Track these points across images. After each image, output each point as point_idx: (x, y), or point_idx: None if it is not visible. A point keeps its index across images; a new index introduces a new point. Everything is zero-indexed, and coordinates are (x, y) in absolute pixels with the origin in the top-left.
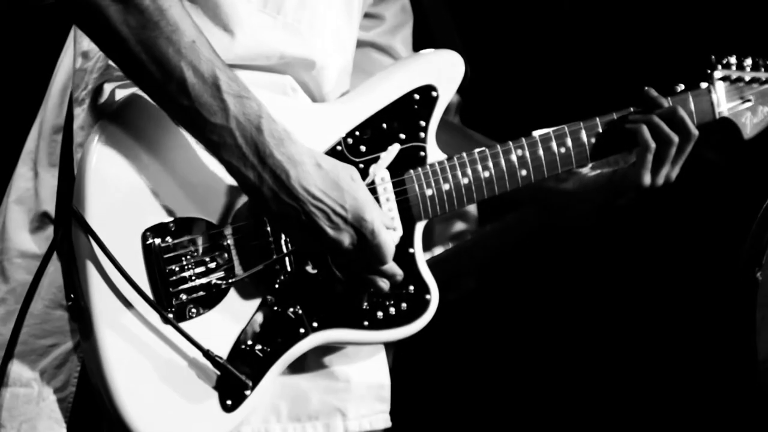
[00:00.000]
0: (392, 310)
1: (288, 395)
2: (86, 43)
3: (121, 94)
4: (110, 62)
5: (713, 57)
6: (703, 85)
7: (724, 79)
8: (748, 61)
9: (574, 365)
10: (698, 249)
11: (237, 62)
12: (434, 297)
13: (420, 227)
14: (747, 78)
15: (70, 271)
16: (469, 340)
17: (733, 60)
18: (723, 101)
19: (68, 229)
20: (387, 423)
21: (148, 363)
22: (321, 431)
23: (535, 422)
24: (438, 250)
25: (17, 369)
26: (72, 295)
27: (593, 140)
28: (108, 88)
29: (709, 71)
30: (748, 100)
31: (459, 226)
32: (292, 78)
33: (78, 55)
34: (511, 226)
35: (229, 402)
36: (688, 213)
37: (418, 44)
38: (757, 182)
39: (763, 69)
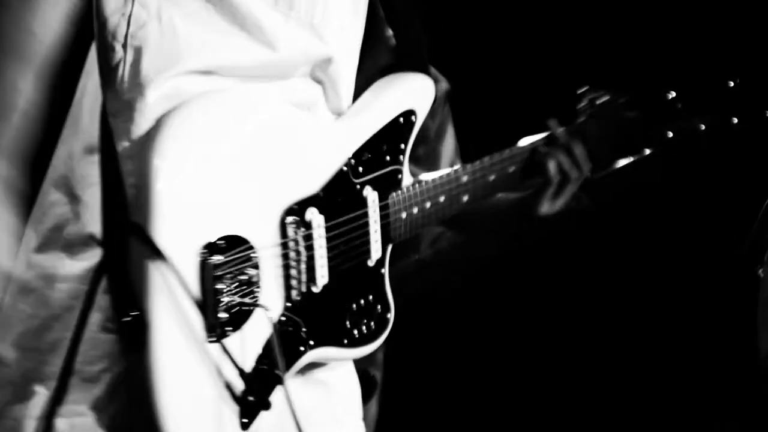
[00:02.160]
0: (364, 328)
1: (288, 411)
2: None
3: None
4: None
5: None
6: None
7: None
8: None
9: (573, 365)
10: (699, 247)
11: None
12: (392, 317)
13: (389, 249)
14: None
15: (123, 285)
16: (466, 340)
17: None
18: None
19: (123, 242)
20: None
21: (189, 379)
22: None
23: (534, 422)
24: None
25: (72, 398)
26: (128, 311)
27: (512, 170)
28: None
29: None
30: None
31: (438, 229)
32: (317, 90)
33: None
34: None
35: (245, 420)
36: (689, 211)
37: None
38: (758, 180)
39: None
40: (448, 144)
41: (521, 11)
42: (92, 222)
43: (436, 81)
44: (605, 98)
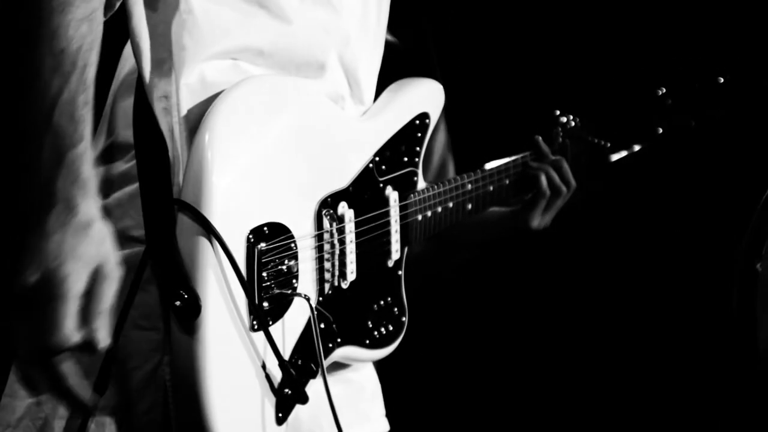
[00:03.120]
0: (383, 330)
1: (321, 406)
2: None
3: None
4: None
5: (557, 112)
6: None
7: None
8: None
9: (571, 361)
10: (698, 241)
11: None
12: (407, 320)
13: (406, 251)
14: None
15: (172, 269)
16: (463, 340)
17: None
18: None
19: (170, 226)
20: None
21: (234, 367)
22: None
23: (532, 421)
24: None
25: (105, 396)
26: (182, 293)
27: (507, 182)
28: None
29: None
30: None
31: None
32: (343, 81)
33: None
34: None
35: (280, 414)
36: (688, 206)
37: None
38: (756, 174)
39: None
40: (440, 139)
41: (511, 9)
42: (123, 219)
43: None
44: (575, 123)
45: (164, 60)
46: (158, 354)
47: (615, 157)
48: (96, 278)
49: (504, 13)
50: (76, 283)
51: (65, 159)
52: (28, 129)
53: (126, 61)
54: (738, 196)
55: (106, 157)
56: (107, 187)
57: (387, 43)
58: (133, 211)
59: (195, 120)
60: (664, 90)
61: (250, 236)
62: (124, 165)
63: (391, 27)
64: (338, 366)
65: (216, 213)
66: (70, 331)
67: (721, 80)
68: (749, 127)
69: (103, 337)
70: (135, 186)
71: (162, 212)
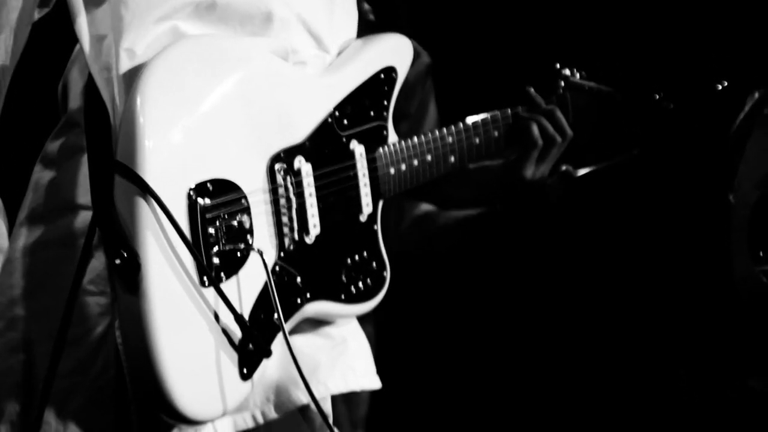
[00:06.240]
0: (361, 285)
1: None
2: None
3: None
4: None
5: (558, 65)
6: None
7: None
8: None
9: (565, 353)
10: (670, 176)
11: None
12: (389, 274)
13: (380, 205)
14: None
15: (114, 230)
16: (462, 340)
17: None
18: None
19: (111, 189)
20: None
21: (185, 324)
22: (341, 386)
23: (531, 420)
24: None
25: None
26: (121, 252)
27: (496, 134)
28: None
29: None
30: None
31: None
32: (298, 35)
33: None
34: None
35: (245, 370)
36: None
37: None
38: (727, 106)
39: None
40: (431, 118)
41: None
42: (72, 188)
43: (417, 55)
44: (579, 76)
45: (105, 35)
46: (108, 317)
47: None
48: None
49: None
50: None
51: None
52: None
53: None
54: (707, 132)
55: (62, 130)
56: (61, 158)
57: (363, 15)
58: (82, 179)
59: None
60: (662, 94)
61: (191, 193)
62: (75, 138)
63: None
64: (318, 322)
65: (150, 171)
66: None
67: (720, 87)
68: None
69: None
70: (84, 156)
71: (101, 176)
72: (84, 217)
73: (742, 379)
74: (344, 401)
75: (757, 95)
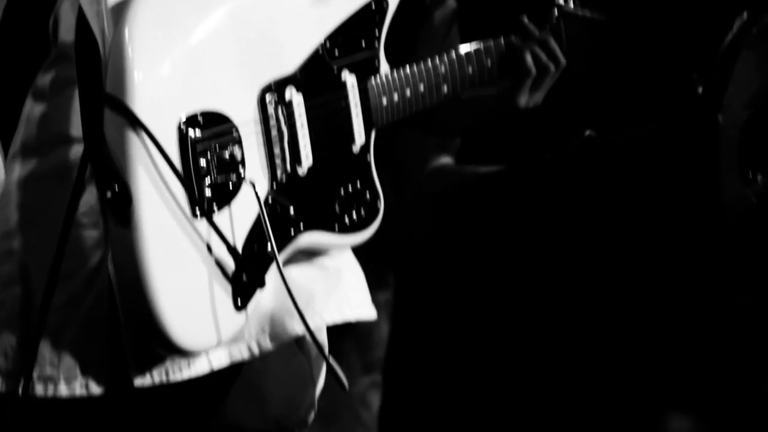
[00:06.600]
0: (354, 215)
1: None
2: None
3: None
4: None
5: None
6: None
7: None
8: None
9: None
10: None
11: None
12: (382, 205)
13: (373, 136)
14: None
15: (106, 163)
16: (462, 339)
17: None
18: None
19: (99, 119)
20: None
21: (178, 255)
22: (336, 316)
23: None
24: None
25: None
26: (113, 185)
27: (489, 63)
28: None
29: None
30: None
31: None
32: None
33: None
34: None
35: (239, 300)
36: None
37: None
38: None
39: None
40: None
41: None
42: (64, 120)
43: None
44: (572, 4)
45: None
46: (101, 250)
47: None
48: None
49: None
50: None
51: None
52: None
53: None
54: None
55: (53, 63)
56: (52, 91)
57: None
58: (74, 112)
59: None
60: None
61: (182, 125)
62: (66, 71)
63: None
64: (312, 254)
65: (140, 104)
66: None
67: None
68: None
69: None
70: (75, 89)
71: (92, 109)
72: (77, 150)
73: (727, 297)
74: (356, 341)
75: (745, 15)
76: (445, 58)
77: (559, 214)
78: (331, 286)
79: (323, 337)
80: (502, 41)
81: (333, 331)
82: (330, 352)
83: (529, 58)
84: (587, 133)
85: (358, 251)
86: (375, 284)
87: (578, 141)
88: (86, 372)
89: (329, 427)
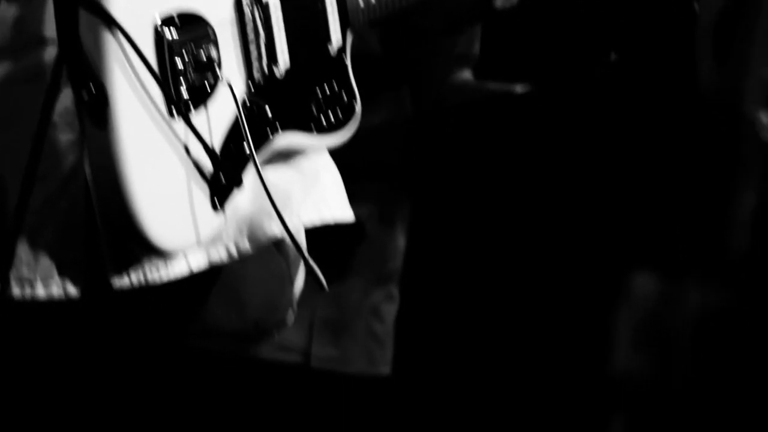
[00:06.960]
0: (331, 115)
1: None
2: None
3: None
4: None
5: None
6: None
7: None
8: None
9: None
10: None
11: None
12: (359, 106)
13: (350, 37)
14: None
15: (79, 65)
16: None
17: None
18: None
19: (74, 19)
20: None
21: (155, 156)
22: (314, 218)
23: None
24: None
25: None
26: (89, 86)
27: None
28: None
29: None
30: None
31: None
32: None
33: None
34: None
35: (216, 200)
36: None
37: None
38: None
39: None
40: None
41: None
42: (38, 22)
43: None
44: None
45: None
46: (76, 152)
47: None
48: None
49: None
50: None
51: None
52: None
53: None
54: None
55: None
56: None
57: None
58: (48, 13)
59: None
60: None
61: (158, 25)
62: None
63: None
64: (290, 156)
65: (115, 4)
66: None
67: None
68: None
69: None
70: None
71: (66, 9)
72: (52, 52)
73: (606, 55)
74: (368, 252)
75: None
76: None
77: (583, 138)
78: (308, 186)
79: (301, 238)
80: None
81: (345, 242)
82: (311, 253)
83: None
84: (613, 56)
85: (375, 165)
86: (391, 198)
87: (604, 67)
88: (63, 273)
89: (339, 337)
